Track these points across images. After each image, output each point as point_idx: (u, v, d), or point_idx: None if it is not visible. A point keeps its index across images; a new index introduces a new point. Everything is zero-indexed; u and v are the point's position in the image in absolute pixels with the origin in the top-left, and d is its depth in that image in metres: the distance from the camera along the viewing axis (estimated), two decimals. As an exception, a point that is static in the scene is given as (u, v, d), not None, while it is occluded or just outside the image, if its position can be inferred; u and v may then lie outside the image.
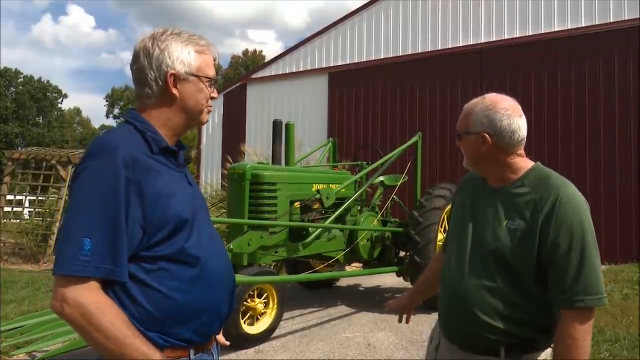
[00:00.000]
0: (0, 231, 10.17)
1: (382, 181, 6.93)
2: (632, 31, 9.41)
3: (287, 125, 6.12)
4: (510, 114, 1.61)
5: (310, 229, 5.43)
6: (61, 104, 51.96)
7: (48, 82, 49.69)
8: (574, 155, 9.83)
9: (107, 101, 58.85)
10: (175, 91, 1.36)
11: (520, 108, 1.65)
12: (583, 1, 9.96)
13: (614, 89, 9.57)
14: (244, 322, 4.67)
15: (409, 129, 11.40)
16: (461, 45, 11.24)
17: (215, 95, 1.44)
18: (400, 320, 2.17)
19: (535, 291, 1.55)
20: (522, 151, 1.67)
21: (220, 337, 1.55)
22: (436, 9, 11.62)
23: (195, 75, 1.38)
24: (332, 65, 13.08)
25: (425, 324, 5.30)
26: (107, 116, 59.06)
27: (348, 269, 7.41)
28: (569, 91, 10.01)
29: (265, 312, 4.90)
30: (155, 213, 1.24)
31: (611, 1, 9.67)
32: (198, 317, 1.32)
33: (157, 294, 1.25)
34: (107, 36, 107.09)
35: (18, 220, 11.07)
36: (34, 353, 4.19)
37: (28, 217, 11.64)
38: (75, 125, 59.84)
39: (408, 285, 6.37)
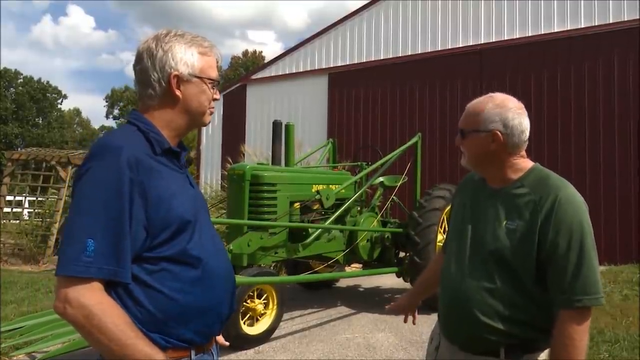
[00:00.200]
0: (0, 232, 10.17)
1: (382, 182, 6.93)
2: (631, 31, 9.42)
3: (287, 126, 6.12)
4: (521, 112, 1.63)
5: (309, 230, 5.43)
6: (61, 104, 52.05)
7: (48, 82, 49.73)
8: (573, 156, 9.84)
9: (106, 102, 58.86)
10: (178, 92, 1.36)
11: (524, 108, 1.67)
12: (582, 2, 9.97)
13: (613, 90, 9.58)
14: (244, 323, 4.67)
15: (408, 129, 11.41)
16: (461, 45, 11.25)
17: (217, 96, 1.44)
18: (405, 320, 2.17)
19: (535, 291, 1.55)
20: (523, 152, 1.68)
21: (220, 338, 1.55)
22: (436, 9, 11.62)
23: (198, 77, 1.38)
24: (331, 65, 13.08)
25: (425, 324, 5.28)
26: (107, 117, 59.16)
27: (348, 269, 7.40)
28: (568, 92, 10.02)
29: (265, 313, 4.90)
30: (158, 214, 1.24)
31: (610, 1, 9.68)
32: (199, 318, 1.32)
33: (159, 295, 1.25)
34: (106, 37, 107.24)
35: (17, 221, 11.06)
36: (33, 354, 4.18)
37: (27, 218, 11.63)
38: (75, 126, 59.81)
39: (407, 285, 6.37)
